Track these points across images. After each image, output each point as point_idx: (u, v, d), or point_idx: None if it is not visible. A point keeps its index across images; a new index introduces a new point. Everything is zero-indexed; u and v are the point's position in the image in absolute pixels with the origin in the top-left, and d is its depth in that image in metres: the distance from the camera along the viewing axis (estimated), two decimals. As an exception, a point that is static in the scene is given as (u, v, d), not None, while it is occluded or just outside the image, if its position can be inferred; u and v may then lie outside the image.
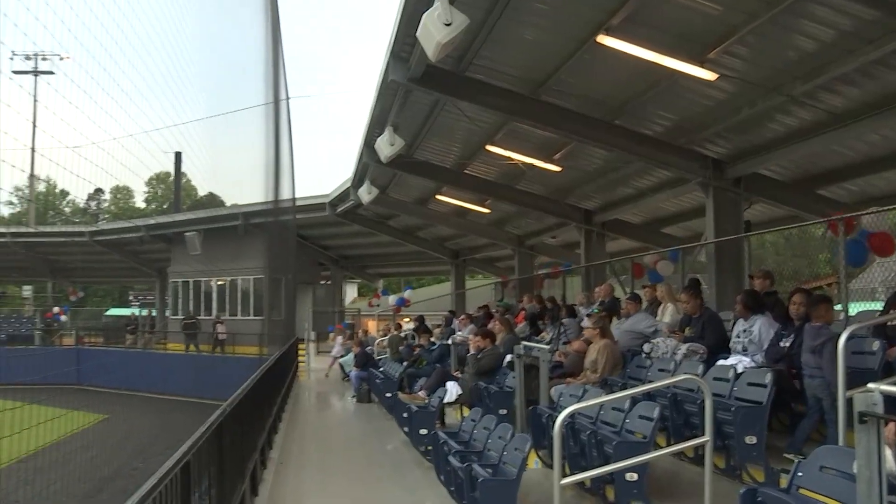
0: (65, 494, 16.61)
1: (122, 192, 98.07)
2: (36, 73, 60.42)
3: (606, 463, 7.54)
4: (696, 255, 19.45)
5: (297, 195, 31.14)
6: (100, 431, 25.80)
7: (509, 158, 20.20)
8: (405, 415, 13.37)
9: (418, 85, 15.19)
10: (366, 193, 24.74)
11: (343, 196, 30.36)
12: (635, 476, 7.38)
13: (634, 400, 8.50)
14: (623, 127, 16.44)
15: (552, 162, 19.94)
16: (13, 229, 50.85)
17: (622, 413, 8.53)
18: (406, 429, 13.43)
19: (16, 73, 58.43)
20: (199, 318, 40.43)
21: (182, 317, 41.38)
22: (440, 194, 26.79)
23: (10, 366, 29.40)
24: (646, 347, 11.74)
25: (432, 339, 20.66)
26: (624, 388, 10.23)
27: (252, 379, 9.72)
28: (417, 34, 11.40)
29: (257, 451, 10.39)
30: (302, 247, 37.18)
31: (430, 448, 11.19)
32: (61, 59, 57.13)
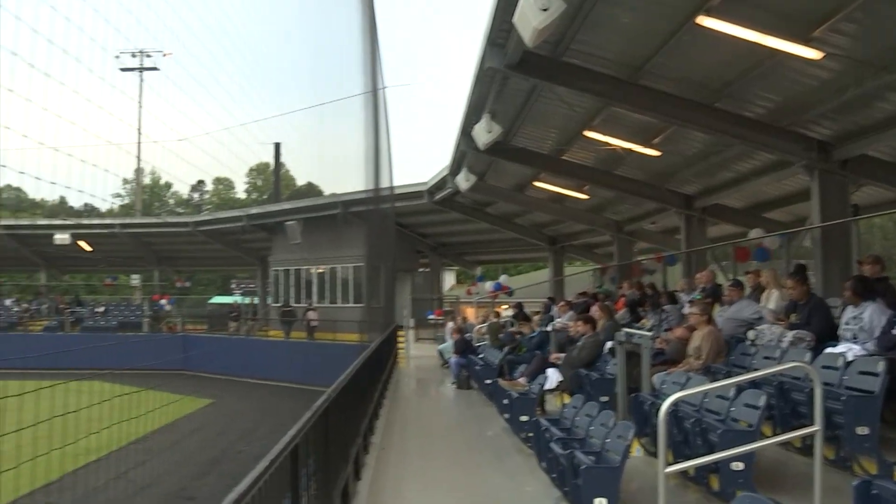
0: (175, 475, 17.21)
1: (223, 183, 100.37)
2: (141, 69, 62.03)
3: (711, 451, 7.42)
4: (800, 241, 18.99)
5: (395, 183, 31.39)
6: (206, 415, 26.60)
7: (607, 144, 20.01)
8: (505, 401, 13.40)
9: (515, 71, 15.13)
10: (463, 181, 24.81)
11: (441, 184, 30.49)
12: (741, 465, 7.24)
13: (740, 388, 8.35)
14: (724, 109, 16.11)
15: (651, 146, 19.69)
16: (121, 220, 52.40)
17: (727, 401, 8.38)
18: (506, 415, 13.46)
19: (122, 70, 60.25)
20: (294, 305, 41.23)
21: (280, 304, 42.27)
22: (537, 181, 26.69)
23: (123, 351, 30.50)
24: (750, 334, 11.51)
25: (533, 328, 20.60)
26: (728, 375, 10.06)
27: (354, 365, 9.84)
28: (514, 20, 11.39)
29: (360, 437, 10.53)
30: (400, 235, 37.49)
31: (530, 435, 11.19)
32: (164, 55, 58.85)
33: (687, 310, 13.53)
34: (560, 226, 35.46)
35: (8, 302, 51.55)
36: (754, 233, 21.55)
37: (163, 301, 50.23)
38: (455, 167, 25.68)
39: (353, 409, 9.47)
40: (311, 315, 38.78)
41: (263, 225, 43.17)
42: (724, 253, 24.43)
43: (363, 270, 32.07)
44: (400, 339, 29.52)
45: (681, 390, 8.68)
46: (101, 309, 49.53)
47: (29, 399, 6.21)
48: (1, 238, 48.13)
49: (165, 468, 17.41)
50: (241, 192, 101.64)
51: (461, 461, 12.12)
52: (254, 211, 45.65)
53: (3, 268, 56.14)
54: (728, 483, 7.33)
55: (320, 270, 41.16)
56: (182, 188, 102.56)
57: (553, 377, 13.72)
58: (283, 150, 62.55)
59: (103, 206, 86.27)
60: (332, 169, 17.85)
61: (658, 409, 6.93)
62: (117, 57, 58.77)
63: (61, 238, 45.41)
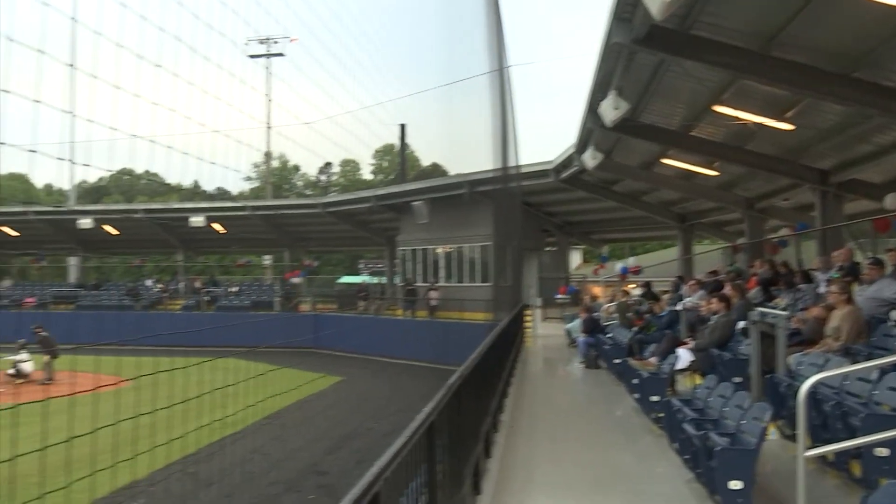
0: (308, 450, 17.68)
1: (349, 165, 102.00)
2: (269, 55, 63.41)
3: (852, 436, 7.19)
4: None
5: (520, 162, 31.33)
6: (337, 393, 27.21)
7: (737, 118, 19.50)
8: (635, 381, 13.28)
9: (642, 46, 14.85)
10: (590, 159, 24.59)
11: (567, 162, 30.29)
12: (886, 452, 6.97)
13: (883, 370, 8.06)
14: (862, 80, 15.44)
15: (784, 120, 19.09)
16: (253, 202, 53.79)
17: (869, 384, 8.10)
18: (636, 395, 13.35)
19: (251, 57, 61.74)
20: (415, 284, 41.77)
21: (403, 283, 42.89)
22: (665, 157, 26.22)
23: (257, 330, 31.44)
24: (893, 315, 11.10)
25: (662, 306, 20.36)
26: (869, 357, 9.69)
27: (484, 344, 9.89)
28: (641, -6, 11.18)
29: (490, 415, 10.59)
30: (527, 213, 37.42)
31: (661, 415, 11.08)
32: (290, 41, 60.02)
33: (824, 289, 13.14)
34: (688, 203, 34.80)
35: (149, 282, 53.69)
36: (890, 198, 20.60)
37: (294, 279, 51.43)
38: (581, 145, 25.47)
39: (484, 388, 9.52)
40: (433, 294, 39.19)
41: (391, 205, 43.64)
42: (862, 230, 23.57)
43: (490, 250, 32.15)
44: (527, 318, 29.52)
45: (819, 372, 8.42)
46: (235, 289, 51.13)
47: (176, 374, 6.47)
48: (142, 221, 50.20)
49: (299, 443, 17.90)
50: (367, 173, 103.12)
51: (590, 440, 12.10)
52: (381, 191, 46.18)
53: (145, 250, 58.46)
54: (871, 470, 7.08)
55: (447, 250, 41.45)
56: (310, 170, 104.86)
57: (684, 357, 13.51)
58: (408, 131, 63.21)
59: (234, 190, 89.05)
60: (458, 149, 17.93)
61: (795, 391, 6.75)
62: (246, 44, 60.23)
63: (196, 220, 47.01)
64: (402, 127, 62.88)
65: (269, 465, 15.51)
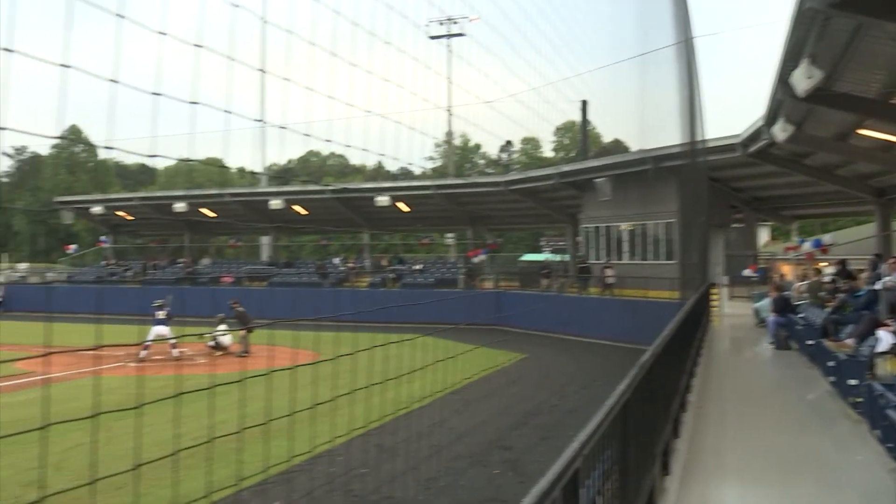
0: (491, 425, 17.86)
1: (530, 143, 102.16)
2: (449, 36, 64.04)
3: None
4: None
5: (706, 136, 30.56)
6: (520, 369, 27.35)
7: (946, 84, 18.36)
8: (831, 364, 12.77)
9: (839, 10, 14.14)
10: (780, 131, 23.70)
11: (755, 135, 29.29)
12: None
13: None
14: None
15: None
16: (436, 182, 54.59)
17: None
18: (831, 378, 12.84)
19: (432, 38, 62.59)
20: (588, 262, 41.53)
21: (578, 261, 42.75)
22: (862, 128, 24.94)
23: (442, 307, 32.00)
24: None
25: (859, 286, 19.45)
26: None
27: (675, 322, 9.71)
28: (839, -45, 10.64)
29: (679, 395, 10.42)
30: (712, 189, 36.45)
31: (860, 400, 10.60)
32: (470, 20, 60.44)
33: None
34: (887, 176, 33.01)
35: (336, 260, 55.42)
36: None
37: (476, 257, 51.99)
38: (771, 117, 24.56)
39: (673, 367, 9.36)
40: (608, 272, 38.85)
41: (573, 182, 43.37)
42: None
43: (675, 227, 31.52)
44: (714, 296, 28.85)
45: None
46: (419, 266, 52.08)
47: (366, 351, 6.61)
48: (329, 201, 51.86)
49: (482, 418, 18.10)
50: (547, 150, 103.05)
51: (782, 425, 11.73)
52: (564, 168, 45.93)
53: (332, 229, 60.38)
54: None
55: (630, 227, 40.93)
56: (490, 149, 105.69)
57: (886, 339, 12.86)
58: (589, 108, 62.74)
59: (417, 170, 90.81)
60: (642, 124, 17.61)
61: None
62: (426, 25, 61.08)
63: (382, 200, 48.11)
64: (584, 103, 62.43)
65: (453, 438, 15.76)
